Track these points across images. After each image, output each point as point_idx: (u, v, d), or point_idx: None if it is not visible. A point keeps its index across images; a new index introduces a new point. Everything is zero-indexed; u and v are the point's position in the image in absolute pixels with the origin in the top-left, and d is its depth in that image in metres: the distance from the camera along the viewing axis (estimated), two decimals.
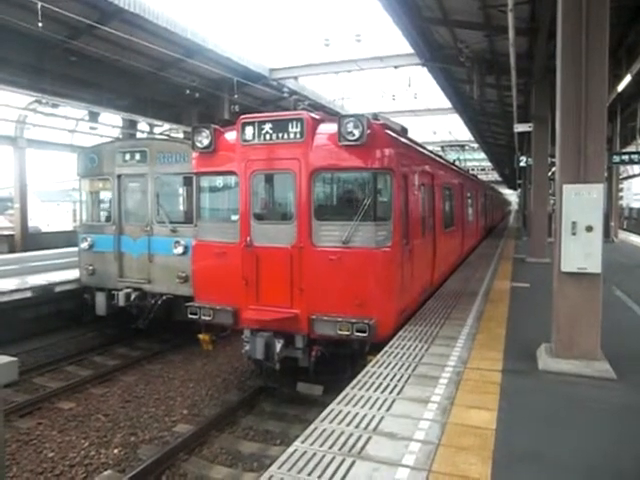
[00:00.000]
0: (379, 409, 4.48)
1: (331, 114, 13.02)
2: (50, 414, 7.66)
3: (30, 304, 11.05)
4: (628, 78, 12.22)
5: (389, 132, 7.13)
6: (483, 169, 51.39)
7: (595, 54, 5.29)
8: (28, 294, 10.90)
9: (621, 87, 12.97)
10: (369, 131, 6.47)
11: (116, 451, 6.54)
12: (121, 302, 10.45)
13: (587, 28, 5.26)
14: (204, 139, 7.47)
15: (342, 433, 4.04)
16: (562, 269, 5.45)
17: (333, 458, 3.65)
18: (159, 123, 21.50)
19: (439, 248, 9.99)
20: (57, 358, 10.07)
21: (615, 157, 19.75)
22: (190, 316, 7.55)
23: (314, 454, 3.72)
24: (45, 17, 11.55)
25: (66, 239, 20.54)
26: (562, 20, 5.45)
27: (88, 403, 8.06)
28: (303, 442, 3.91)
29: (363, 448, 3.79)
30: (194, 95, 19.79)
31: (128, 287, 10.59)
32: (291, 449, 3.81)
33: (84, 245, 11.21)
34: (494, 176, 57.83)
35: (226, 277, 7.36)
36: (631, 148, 25.65)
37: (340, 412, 4.43)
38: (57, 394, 8.30)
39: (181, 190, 10.98)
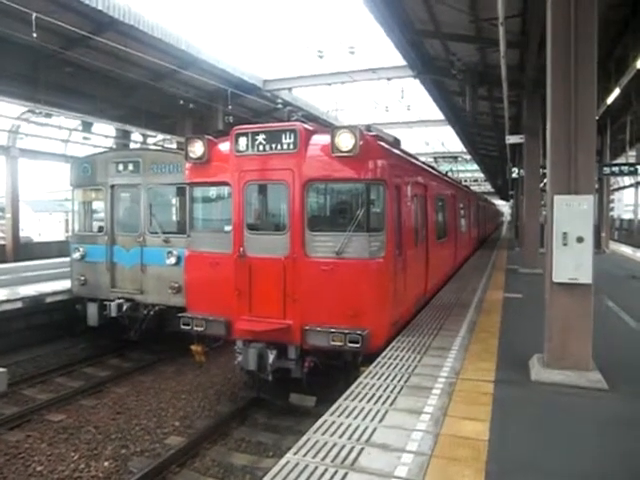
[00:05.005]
0: (372, 420, 4.46)
1: (324, 125, 13.09)
2: (39, 426, 7.55)
3: (21, 315, 10.95)
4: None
5: (382, 143, 7.18)
6: (476, 180, 51.68)
7: (584, 67, 5.36)
8: (19, 305, 10.82)
9: (610, 100, 13.16)
10: (362, 142, 6.50)
11: (106, 464, 6.45)
12: (113, 313, 10.37)
13: (576, 41, 5.34)
14: (197, 150, 7.47)
15: (335, 444, 4.02)
16: (554, 279, 5.48)
17: (325, 470, 3.63)
18: (153, 133, 21.56)
19: (432, 259, 10.01)
20: (47, 369, 9.95)
21: (605, 168, 20.00)
22: (182, 327, 7.50)
23: (306, 466, 3.69)
24: (40, 28, 11.58)
25: (58, 249, 20.48)
26: (551, 33, 5.53)
27: (78, 415, 7.96)
28: (296, 454, 3.89)
29: (356, 460, 3.77)
30: (188, 106, 19.84)
31: (120, 298, 10.52)
32: (283, 461, 3.79)
33: (76, 255, 11.15)
34: (487, 187, 58.20)
35: (219, 288, 7.33)
36: (621, 160, 26.01)
37: (333, 423, 4.42)
38: (47, 406, 8.19)
39: (174, 200, 10.97)
